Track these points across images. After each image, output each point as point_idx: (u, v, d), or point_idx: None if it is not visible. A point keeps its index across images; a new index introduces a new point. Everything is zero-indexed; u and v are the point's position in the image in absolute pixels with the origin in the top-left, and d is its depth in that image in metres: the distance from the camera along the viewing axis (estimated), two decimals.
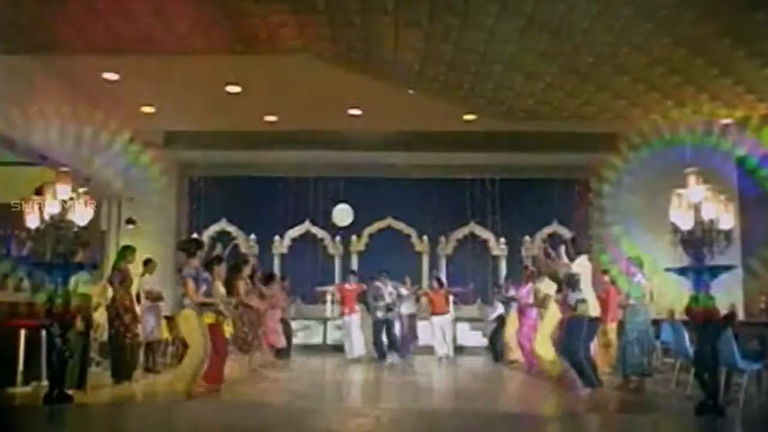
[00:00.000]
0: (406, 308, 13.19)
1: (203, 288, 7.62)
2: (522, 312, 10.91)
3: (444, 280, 13.91)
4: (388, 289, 12.76)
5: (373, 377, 10.54)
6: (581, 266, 7.89)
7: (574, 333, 7.77)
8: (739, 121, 12.59)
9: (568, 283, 7.89)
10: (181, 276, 7.81)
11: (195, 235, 14.27)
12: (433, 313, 13.06)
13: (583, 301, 7.72)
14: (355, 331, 12.89)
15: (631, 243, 13.11)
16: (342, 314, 13.22)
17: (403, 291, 13.04)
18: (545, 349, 9.28)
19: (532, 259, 13.04)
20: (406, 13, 8.40)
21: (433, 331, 13.07)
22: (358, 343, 12.84)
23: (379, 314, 12.56)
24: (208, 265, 8.38)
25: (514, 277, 13.57)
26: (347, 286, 13.35)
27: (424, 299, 13.59)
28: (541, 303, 9.60)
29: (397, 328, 12.93)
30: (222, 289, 8.79)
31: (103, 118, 12.08)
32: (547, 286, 9.23)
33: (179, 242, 8.94)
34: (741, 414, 6.75)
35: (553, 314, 9.09)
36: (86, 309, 8.06)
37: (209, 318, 7.77)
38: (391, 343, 12.63)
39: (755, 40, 9.02)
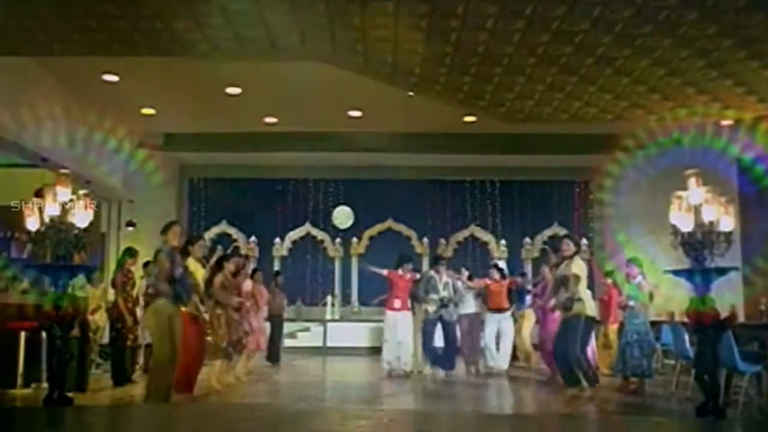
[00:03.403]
0: (465, 306, 10.77)
1: (178, 270, 7.04)
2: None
3: (505, 268, 11.30)
4: (443, 279, 10.42)
5: None
6: (577, 266, 7.92)
7: (571, 332, 7.87)
8: (739, 122, 12.59)
9: (561, 283, 8.00)
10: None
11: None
12: (491, 309, 10.76)
13: (579, 299, 7.78)
14: (406, 334, 10.31)
15: (631, 245, 13.14)
16: (392, 309, 10.39)
17: (460, 284, 10.70)
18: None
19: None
20: (406, 14, 8.39)
21: (489, 332, 10.71)
22: (406, 351, 10.30)
23: (430, 310, 10.25)
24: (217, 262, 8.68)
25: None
26: (401, 273, 10.54)
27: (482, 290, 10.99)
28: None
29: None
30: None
31: (103, 119, 12.12)
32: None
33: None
34: (741, 416, 6.74)
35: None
36: (82, 313, 8.05)
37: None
38: (448, 348, 10.45)
39: (756, 42, 9.01)
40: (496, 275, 10.88)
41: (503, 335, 10.78)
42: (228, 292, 8.83)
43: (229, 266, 9.09)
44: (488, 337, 10.69)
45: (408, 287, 10.42)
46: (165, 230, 7.33)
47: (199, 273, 7.84)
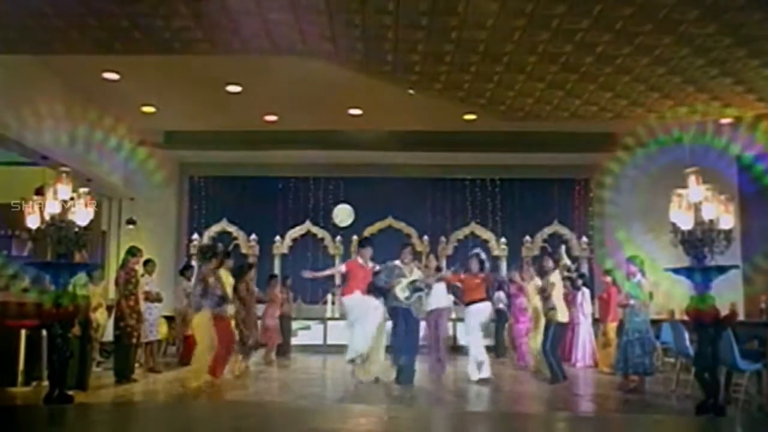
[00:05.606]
0: (434, 301, 9.47)
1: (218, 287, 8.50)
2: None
3: (487, 263, 9.60)
4: (412, 270, 9.06)
5: None
6: (554, 279, 9.16)
7: (546, 335, 9.20)
8: (739, 121, 12.60)
9: (542, 292, 9.38)
10: (201, 275, 8.55)
11: (196, 238, 15.33)
12: (466, 303, 9.35)
13: (552, 308, 9.06)
14: (374, 322, 8.77)
15: (631, 243, 13.15)
16: (351, 293, 8.96)
17: (443, 285, 9.68)
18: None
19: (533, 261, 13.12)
20: (406, 13, 8.40)
21: (467, 328, 9.35)
22: (362, 337, 8.70)
23: (402, 296, 8.80)
24: (240, 271, 10.15)
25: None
26: (360, 261, 9.16)
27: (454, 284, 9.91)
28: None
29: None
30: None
31: (104, 118, 12.12)
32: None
33: (199, 247, 9.61)
34: (741, 414, 6.75)
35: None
36: (84, 311, 8.06)
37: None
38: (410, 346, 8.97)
39: (755, 40, 9.01)
40: (476, 266, 9.30)
41: (474, 334, 9.17)
42: (249, 296, 10.57)
43: (250, 274, 10.85)
44: (474, 343, 9.17)
45: (368, 279, 8.87)
46: (211, 257, 8.65)
47: (228, 281, 9.02)
